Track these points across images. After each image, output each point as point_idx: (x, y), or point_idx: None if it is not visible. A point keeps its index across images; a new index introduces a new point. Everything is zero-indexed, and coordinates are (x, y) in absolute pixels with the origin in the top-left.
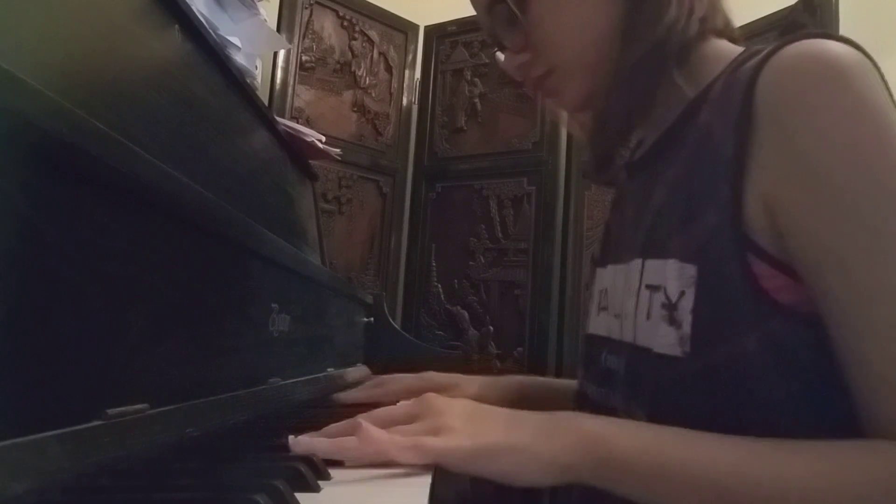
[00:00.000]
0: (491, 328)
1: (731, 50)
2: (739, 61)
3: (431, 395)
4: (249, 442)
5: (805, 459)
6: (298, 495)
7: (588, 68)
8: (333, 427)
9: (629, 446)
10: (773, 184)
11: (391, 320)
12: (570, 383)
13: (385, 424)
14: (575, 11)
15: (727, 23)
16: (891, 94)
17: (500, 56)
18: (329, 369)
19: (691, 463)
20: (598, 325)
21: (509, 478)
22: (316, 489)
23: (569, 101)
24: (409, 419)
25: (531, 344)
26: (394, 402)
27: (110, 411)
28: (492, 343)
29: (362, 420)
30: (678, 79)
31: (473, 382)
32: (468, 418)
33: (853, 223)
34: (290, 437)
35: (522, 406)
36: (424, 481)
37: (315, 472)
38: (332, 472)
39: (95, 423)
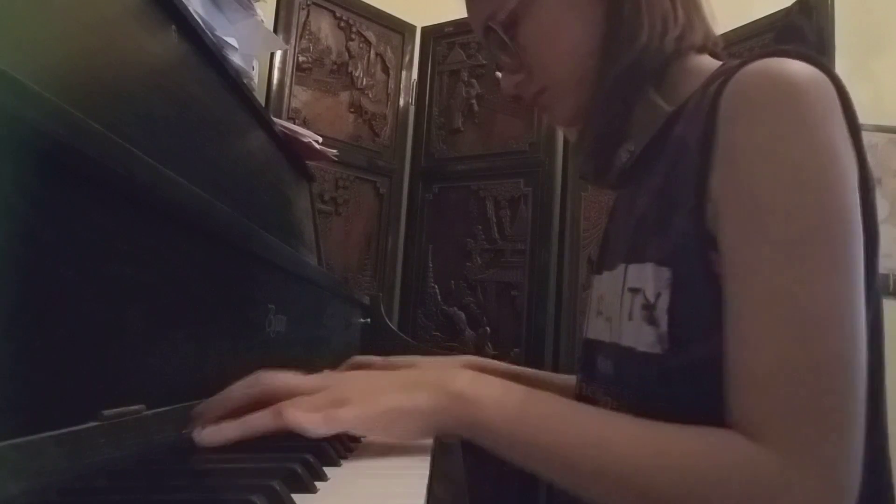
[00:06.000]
0: (488, 329)
1: (711, 65)
2: (713, 77)
3: (328, 373)
4: (246, 443)
5: (651, 437)
6: (295, 496)
7: (576, 88)
8: (236, 394)
9: (494, 412)
10: (717, 190)
11: (388, 321)
12: (543, 374)
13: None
14: (559, 37)
15: (708, 38)
16: (852, 113)
17: (499, 75)
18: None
19: (548, 433)
20: (595, 329)
21: (404, 436)
22: (313, 490)
23: (560, 116)
24: (314, 392)
25: (528, 345)
26: None
27: (107, 412)
28: (488, 344)
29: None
30: (656, 96)
31: (431, 363)
32: (366, 387)
33: (762, 233)
34: (195, 433)
35: None
36: (421, 482)
37: (312, 472)
38: (329, 472)
39: (92, 423)
